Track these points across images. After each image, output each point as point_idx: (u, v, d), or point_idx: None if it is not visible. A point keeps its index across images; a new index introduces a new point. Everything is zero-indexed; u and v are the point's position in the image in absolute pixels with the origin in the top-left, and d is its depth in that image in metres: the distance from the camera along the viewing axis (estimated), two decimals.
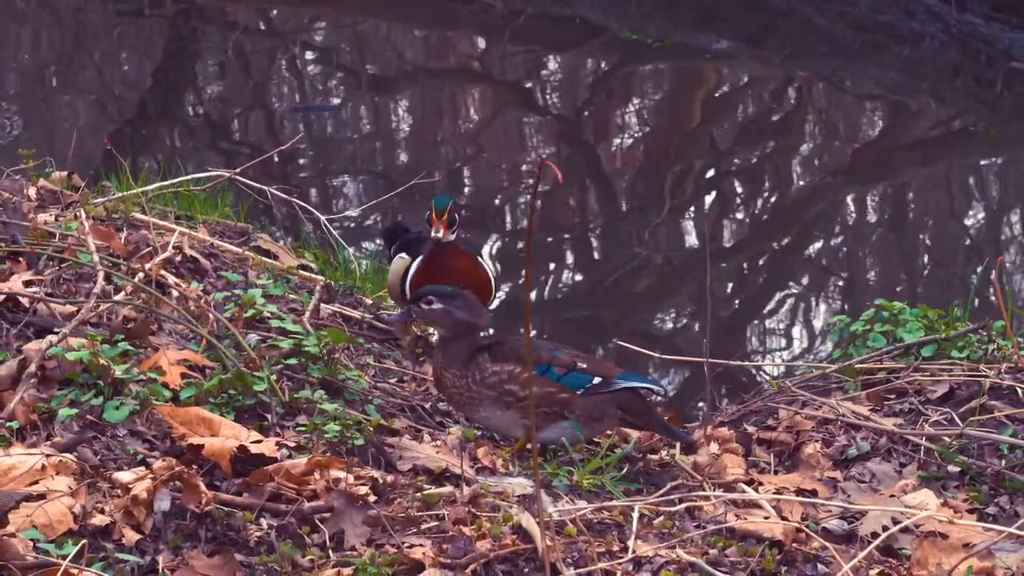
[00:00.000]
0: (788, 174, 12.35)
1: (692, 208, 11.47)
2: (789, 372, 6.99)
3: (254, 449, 4.62)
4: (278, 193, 6.76)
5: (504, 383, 5.08)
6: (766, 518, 4.61)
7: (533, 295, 9.23)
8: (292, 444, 4.80)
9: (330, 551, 4.34)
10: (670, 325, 9.40)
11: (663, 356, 7.63)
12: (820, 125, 13.70)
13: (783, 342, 9.38)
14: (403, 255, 6.10)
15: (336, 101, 13.57)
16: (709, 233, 10.50)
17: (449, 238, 5.85)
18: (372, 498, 4.51)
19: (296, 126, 12.56)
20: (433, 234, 5.82)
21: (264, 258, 6.38)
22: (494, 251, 10.46)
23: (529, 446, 5.07)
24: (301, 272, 6.37)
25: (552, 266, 9.97)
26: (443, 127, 13.45)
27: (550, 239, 10.17)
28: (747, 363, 8.29)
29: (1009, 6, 14.32)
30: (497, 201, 11.47)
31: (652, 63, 14.47)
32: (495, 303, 6.23)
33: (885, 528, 4.53)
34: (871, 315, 5.95)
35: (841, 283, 10.27)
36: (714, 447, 5.13)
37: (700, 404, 7.25)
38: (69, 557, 3.98)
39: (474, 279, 5.84)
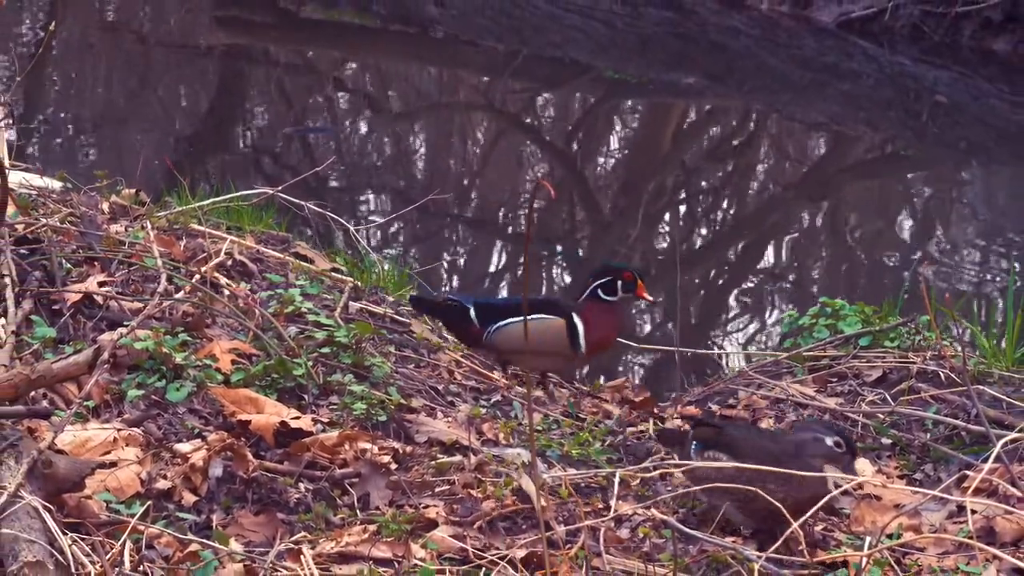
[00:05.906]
0: (746, 191, 12.35)
1: (665, 220, 11.45)
2: (747, 359, 6.97)
3: (293, 424, 4.63)
4: (314, 207, 6.74)
5: None
6: None
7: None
8: (326, 420, 4.81)
9: (358, 511, 4.35)
10: (646, 319, 9.38)
11: (640, 345, 7.63)
12: (773, 149, 13.69)
13: (742, 333, 9.36)
14: (547, 315, 5.74)
15: (312, 124, 13.48)
16: (679, 241, 10.49)
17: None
18: (393, 466, 4.52)
19: (328, 149, 12.52)
20: (647, 297, 5.72)
21: (302, 262, 6.37)
22: (498, 257, 10.45)
23: None
24: (333, 274, 6.36)
25: (545, 269, 9.94)
26: (453, 151, 13.42)
27: (543, 246, 10.15)
28: (712, 351, 8.27)
29: (933, 50, 14.37)
30: (498, 214, 11.45)
31: (631, 97, 14.46)
32: None
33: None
34: (816, 311, 5.95)
35: (791, 283, 10.25)
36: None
37: (672, 387, 7.24)
38: (137, 516, 3.98)
39: (619, 330, 5.86)
